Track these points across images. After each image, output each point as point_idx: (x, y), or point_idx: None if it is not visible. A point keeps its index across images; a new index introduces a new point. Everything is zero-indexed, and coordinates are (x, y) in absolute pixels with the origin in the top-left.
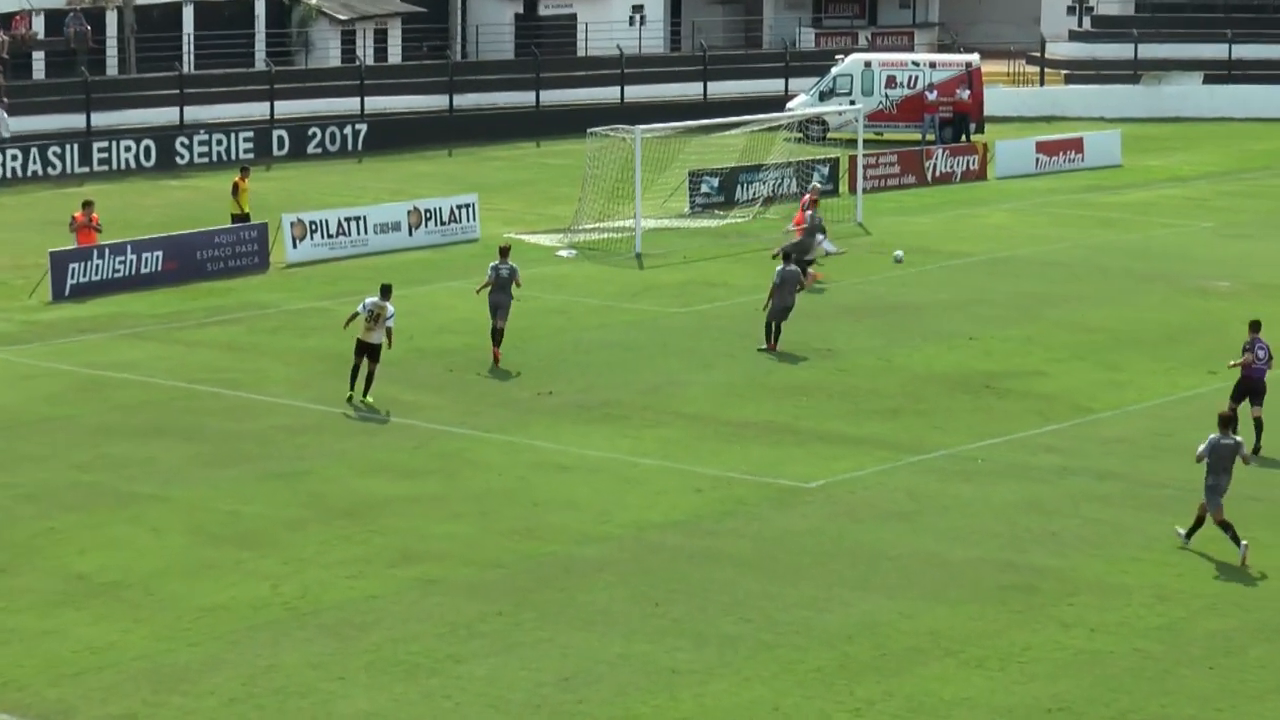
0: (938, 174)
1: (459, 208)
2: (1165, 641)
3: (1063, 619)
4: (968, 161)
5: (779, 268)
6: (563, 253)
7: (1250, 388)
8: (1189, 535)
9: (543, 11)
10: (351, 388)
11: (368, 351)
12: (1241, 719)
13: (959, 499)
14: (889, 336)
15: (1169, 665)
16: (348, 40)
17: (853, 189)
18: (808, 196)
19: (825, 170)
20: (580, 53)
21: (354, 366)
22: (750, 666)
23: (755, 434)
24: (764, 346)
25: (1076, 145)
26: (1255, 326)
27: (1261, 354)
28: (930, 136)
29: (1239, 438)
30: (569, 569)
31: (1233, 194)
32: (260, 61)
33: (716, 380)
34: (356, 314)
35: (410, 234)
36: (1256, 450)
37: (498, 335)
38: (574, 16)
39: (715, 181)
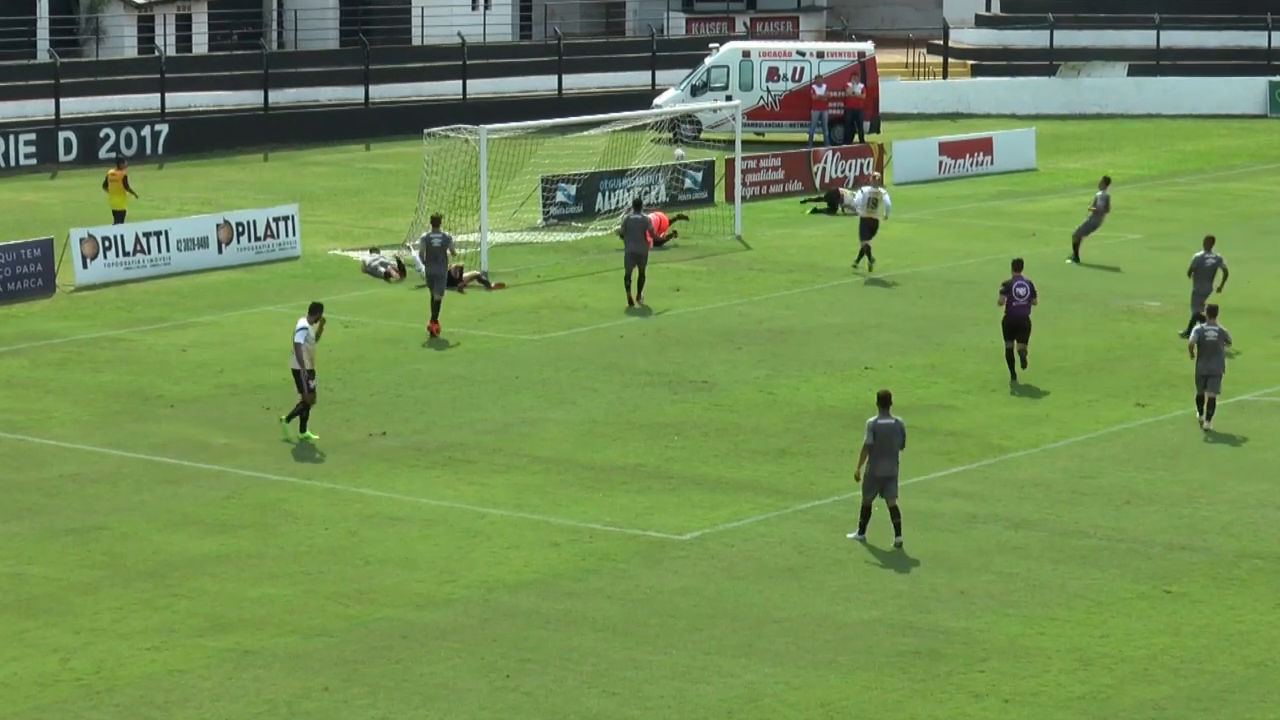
0: (827, 179)
1: (276, 220)
2: (1088, 713)
3: (972, 688)
4: (861, 165)
5: (626, 215)
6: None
7: (1015, 325)
8: (862, 530)
9: None
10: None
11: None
12: None
13: (853, 552)
14: (773, 366)
15: None
16: (145, 28)
17: (730, 197)
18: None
19: (698, 175)
20: (415, 42)
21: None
22: None
23: (621, 479)
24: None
25: (985, 146)
26: (1017, 265)
27: (1022, 292)
28: (818, 137)
29: (899, 418)
30: (406, 637)
31: (1163, 201)
32: (43, 52)
33: (576, 418)
34: (298, 345)
35: (220, 251)
36: (1013, 377)
37: (435, 307)
38: (408, 0)
39: (572, 189)
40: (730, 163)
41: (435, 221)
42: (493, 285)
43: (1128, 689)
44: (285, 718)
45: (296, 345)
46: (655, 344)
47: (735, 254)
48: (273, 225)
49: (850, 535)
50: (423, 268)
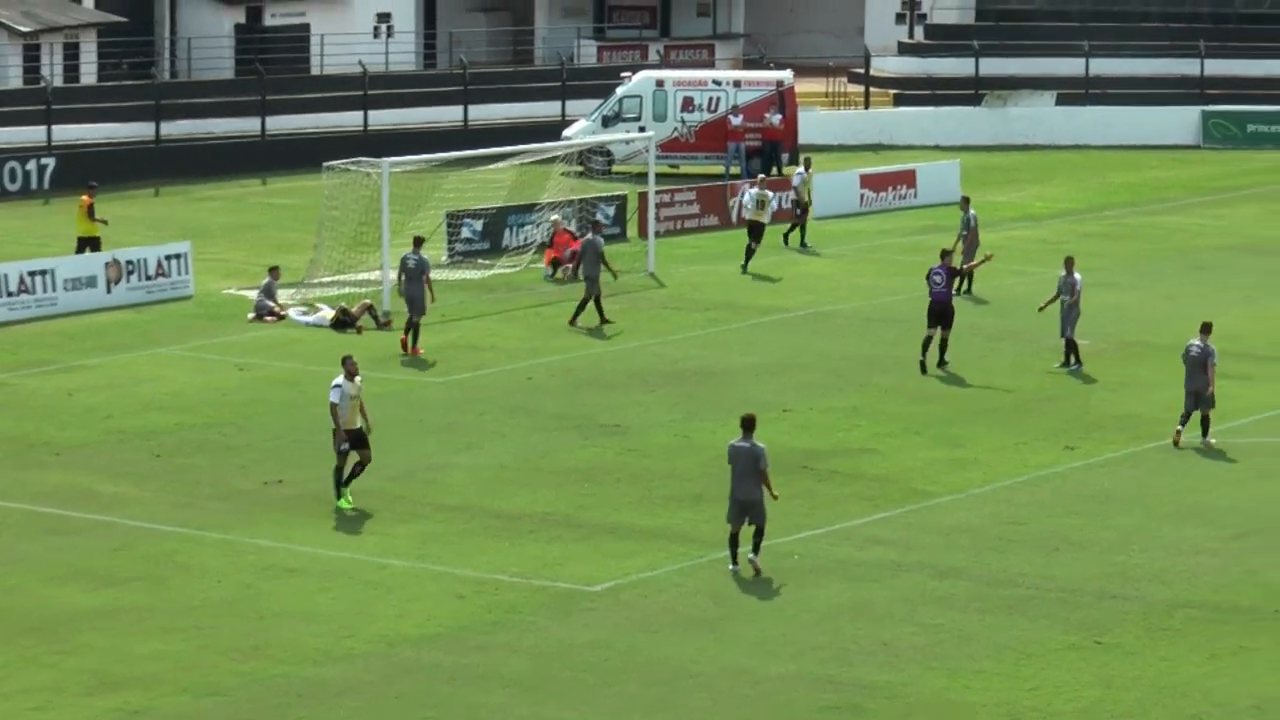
0: (744, 214)
1: (168, 259)
2: None
3: None
4: (780, 199)
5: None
6: (296, 313)
7: (935, 311)
8: (733, 560)
9: (269, 21)
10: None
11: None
12: None
13: (773, 603)
14: (688, 409)
15: None
16: (31, 57)
17: (643, 233)
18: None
19: (611, 210)
20: (315, 71)
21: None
22: None
23: (529, 528)
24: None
25: (908, 178)
26: (943, 254)
27: (938, 279)
28: (735, 169)
29: (760, 444)
30: (304, 695)
31: (1093, 235)
32: None
33: (483, 464)
34: (335, 404)
35: (108, 291)
36: (941, 364)
37: (411, 328)
38: (307, 27)
39: (479, 225)
40: (643, 197)
41: (417, 242)
42: (382, 321)
43: None
44: None
45: (332, 405)
46: (566, 386)
47: (649, 291)
48: (164, 264)
49: (730, 567)
50: (308, 319)
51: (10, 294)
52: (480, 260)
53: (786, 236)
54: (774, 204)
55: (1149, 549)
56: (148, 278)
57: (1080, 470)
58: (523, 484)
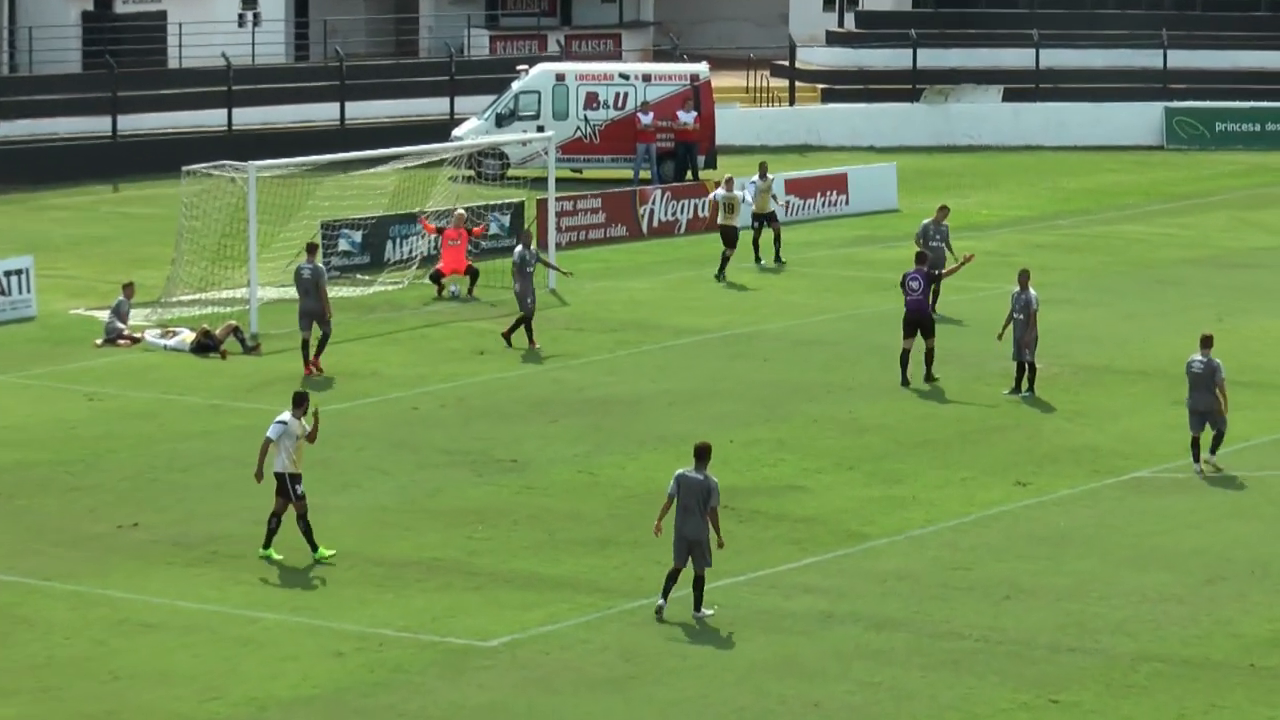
0: (656, 223)
1: (8, 274)
2: None
3: None
4: (695, 207)
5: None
6: (154, 338)
7: (911, 320)
8: (664, 594)
9: (120, 9)
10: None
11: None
12: None
13: (689, 660)
14: (594, 442)
15: None
16: None
17: (544, 243)
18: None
19: (505, 219)
20: (173, 64)
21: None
22: None
23: (416, 576)
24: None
25: (839, 183)
26: (918, 258)
27: (915, 285)
28: (645, 174)
29: (713, 477)
30: None
31: (1045, 247)
32: None
33: (362, 504)
34: (269, 440)
35: None
36: (929, 378)
37: (306, 348)
38: (163, 15)
39: (358, 236)
40: (542, 204)
41: (310, 250)
42: (250, 345)
43: None
44: None
45: (267, 440)
46: (456, 417)
47: (549, 310)
48: (3, 281)
49: (659, 602)
50: (166, 342)
51: None
52: (360, 275)
53: (758, 254)
54: (746, 200)
55: (1109, 596)
56: None
57: (1032, 509)
58: (408, 527)
